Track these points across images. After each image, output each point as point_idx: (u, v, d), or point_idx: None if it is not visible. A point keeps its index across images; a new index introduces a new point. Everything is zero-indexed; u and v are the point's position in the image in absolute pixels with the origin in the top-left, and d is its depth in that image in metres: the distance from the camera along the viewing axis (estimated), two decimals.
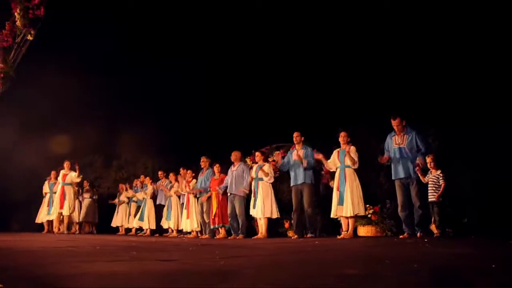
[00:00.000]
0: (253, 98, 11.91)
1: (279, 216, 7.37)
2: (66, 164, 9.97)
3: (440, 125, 6.82)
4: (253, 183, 7.41)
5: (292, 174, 7.03)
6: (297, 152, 6.91)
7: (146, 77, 13.37)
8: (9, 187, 11.52)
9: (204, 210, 8.24)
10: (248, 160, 8.45)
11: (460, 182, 6.30)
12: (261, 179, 7.27)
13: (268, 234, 7.20)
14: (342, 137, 6.69)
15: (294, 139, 7.02)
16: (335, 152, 6.72)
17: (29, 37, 7.57)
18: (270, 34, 11.82)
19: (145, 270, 1.92)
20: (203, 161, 8.25)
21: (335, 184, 6.64)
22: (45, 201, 10.69)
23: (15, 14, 7.08)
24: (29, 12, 6.84)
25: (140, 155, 13.77)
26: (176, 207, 9.54)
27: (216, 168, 8.05)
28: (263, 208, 7.19)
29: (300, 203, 6.84)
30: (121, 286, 1.38)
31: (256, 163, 7.62)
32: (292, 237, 6.98)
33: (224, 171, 8.02)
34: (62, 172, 9.99)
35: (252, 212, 7.38)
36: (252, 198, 7.38)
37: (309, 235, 6.65)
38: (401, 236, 5.93)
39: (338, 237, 6.48)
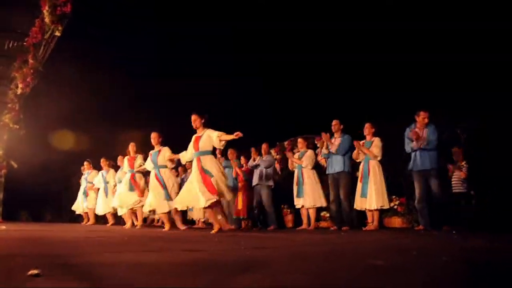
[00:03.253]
0: (278, 90, 11.89)
1: (325, 205, 7.29)
2: (132, 146, 8.17)
3: (471, 115, 6.66)
4: (296, 171, 7.35)
5: (329, 161, 6.94)
6: (335, 141, 6.84)
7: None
8: (42, 179, 11.85)
9: (230, 201, 8.30)
10: (273, 151, 8.44)
11: (488, 175, 6.16)
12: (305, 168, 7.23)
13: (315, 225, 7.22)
14: (366, 129, 6.64)
15: (332, 127, 6.93)
16: (361, 143, 6.68)
17: (57, 33, 7.76)
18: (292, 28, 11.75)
19: (173, 260, 1.96)
20: (231, 153, 8.30)
21: (358, 176, 6.62)
22: (101, 191, 9.80)
23: (44, 11, 7.26)
24: (56, 9, 7.01)
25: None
26: None
27: (243, 159, 8.10)
28: (311, 197, 7.12)
29: (337, 193, 6.76)
30: (150, 275, 1.42)
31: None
32: (331, 228, 6.97)
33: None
34: (126, 158, 8.25)
35: (298, 201, 7.28)
36: (295, 187, 7.31)
37: (344, 228, 6.56)
38: (416, 228, 5.90)
39: (364, 228, 6.45)
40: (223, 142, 5.54)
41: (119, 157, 9.25)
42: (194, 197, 5.46)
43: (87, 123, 12.59)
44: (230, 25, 12.36)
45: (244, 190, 7.88)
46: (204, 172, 5.51)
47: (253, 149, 7.93)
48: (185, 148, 5.99)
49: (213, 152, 5.73)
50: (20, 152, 12.84)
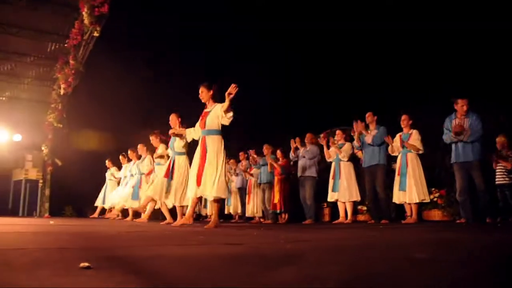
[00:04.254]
0: (311, 82, 11.83)
1: (360, 199, 7.25)
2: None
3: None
4: (333, 164, 7.30)
5: (364, 154, 6.87)
6: (370, 132, 6.77)
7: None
8: (84, 175, 12.25)
9: (266, 195, 8.35)
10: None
11: None
12: (342, 160, 7.17)
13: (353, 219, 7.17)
14: (403, 121, 6.51)
15: (366, 119, 6.86)
16: (397, 136, 6.57)
17: (95, 34, 8.04)
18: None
19: (214, 253, 2.01)
20: (266, 148, 8.34)
21: (396, 169, 6.51)
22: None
23: (83, 13, 7.52)
24: (94, 10, 7.23)
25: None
26: (235, 192, 9.76)
27: (279, 153, 8.11)
28: (348, 191, 7.08)
29: (374, 186, 6.68)
30: (193, 267, 1.46)
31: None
32: (368, 222, 6.92)
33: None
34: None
35: (332, 196, 7.24)
36: (331, 181, 7.26)
37: (383, 221, 6.48)
38: (458, 221, 5.75)
39: (403, 221, 6.36)
40: (230, 114, 4.89)
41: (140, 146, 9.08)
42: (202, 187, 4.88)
43: (126, 121, 12.92)
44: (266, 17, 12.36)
45: (280, 184, 7.91)
46: (205, 155, 4.89)
47: (292, 141, 7.88)
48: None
49: (223, 134, 5.04)
50: (64, 150, 13.37)
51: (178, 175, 6.08)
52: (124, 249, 2.16)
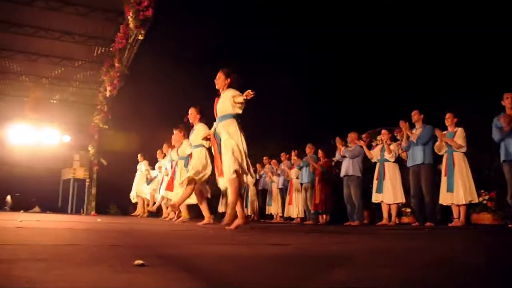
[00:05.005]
0: (356, 82, 11.70)
1: (405, 200, 7.09)
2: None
3: None
4: (377, 165, 7.16)
5: (410, 153, 6.68)
6: (415, 131, 6.59)
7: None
8: (128, 175, 12.61)
9: (308, 196, 8.31)
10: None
11: None
12: (387, 160, 7.02)
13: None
14: (447, 119, 6.29)
15: (412, 117, 6.68)
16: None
17: (140, 37, 8.28)
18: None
19: (259, 253, 2.02)
20: (309, 148, 8.30)
21: (442, 169, 6.30)
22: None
23: (128, 17, 7.76)
24: (139, 14, 7.44)
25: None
26: (276, 193, 9.76)
27: (321, 153, 8.05)
28: (392, 192, 6.92)
29: (419, 187, 6.49)
30: (242, 267, 1.48)
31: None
32: (412, 224, 6.75)
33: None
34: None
35: (377, 197, 7.11)
36: (375, 181, 7.12)
37: (428, 223, 6.28)
38: (510, 225, 5.49)
39: (449, 225, 6.15)
40: (239, 105, 4.42)
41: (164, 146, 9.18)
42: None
43: (167, 121, 13.23)
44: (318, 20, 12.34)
45: (322, 184, 7.84)
46: (219, 142, 4.45)
47: (338, 139, 7.74)
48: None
49: (237, 118, 4.49)
50: (109, 150, 13.84)
51: (197, 168, 5.77)
52: (173, 247, 2.22)
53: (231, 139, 4.31)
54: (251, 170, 4.40)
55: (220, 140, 4.39)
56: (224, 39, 13.31)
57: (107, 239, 2.70)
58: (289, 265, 1.61)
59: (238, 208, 4.36)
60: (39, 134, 14.06)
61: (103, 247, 2.05)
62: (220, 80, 4.59)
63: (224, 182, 4.37)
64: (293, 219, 9.16)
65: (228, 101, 4.40)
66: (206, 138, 4.97)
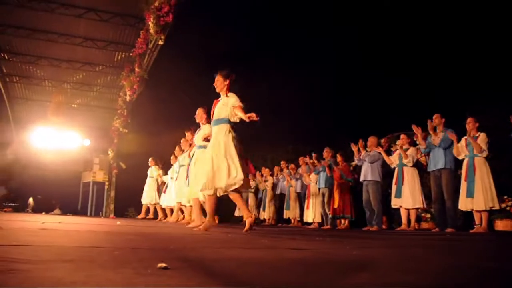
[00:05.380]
0: (375, 86, 11.63)
1: (424, 206, 7.00)
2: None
3: None
4: (396, 170, 7.08)
5: (431, 158, 6.59)
6: (437, 135, 6.50)
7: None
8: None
9: (325, 200, 8.26)
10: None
11: None
12: (406, 165, 6.95)
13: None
14: (469, 124, 6.18)
15: (433, 121, 6.59)
16: (463, 140, 6.25)
17: (160, 42, 8.39)
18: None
19: (280, 257, 2.02)
20: (326, 152, 8.26)
21: (462, 174, 6.19)
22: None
23: (149, 23, 7.87)
24: (160, 19, 7.54)
25: (258, 147, 14.30)
26: (294, 197, 9.74)
27: (339, 157, 8.00)
28: (411, 197, 6.84)
29: (440, 191, 6.39)
30: (265, 271, 1.48)
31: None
32: (432, 230, 6.66)
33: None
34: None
35: (395, 202, 7.02)
36: (394, 186, 7.03)
37: (449, 229, 6.18)
38: None
39: (471, 231, 6.03)
40: (237, 118, 4.40)
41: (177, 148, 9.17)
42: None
43: (185, 125, 13.33)
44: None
45: (340, 188, 7.79)
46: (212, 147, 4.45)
47: (353, 144, 7.68)
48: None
49: (231, 124, 4.48)
50: (128, 154, 14.01)
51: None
52: (194, 251, 2.23)
53: (228, 147, 4.31)
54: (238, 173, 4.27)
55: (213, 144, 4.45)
56: (243, 42, 13.39)
57: (128, 242, 2.73)
58: (311, 269, 1.60)
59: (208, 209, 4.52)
60: (61, 138, 14.33)
61: (125, 249, 2.07)
62: (218, 82, 4.63)
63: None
64: (310, 223, 9.12)
65: (228, 108, 4.43)
66: (206, 140, 4.99)
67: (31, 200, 15.35)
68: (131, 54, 10.53)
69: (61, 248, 2.04)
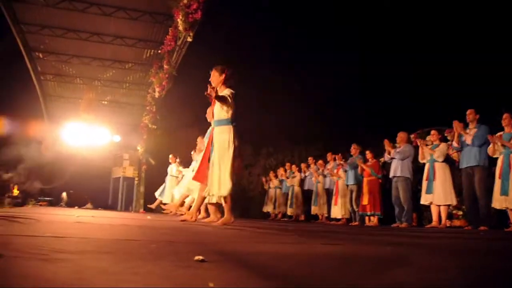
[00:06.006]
0: (404, 81, 11.44)
1: (456, 203, 6.85)
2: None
3: None
4: (427, 166, 6.95)
5: (463, 155, 6.44)
6: (470, 131, 6.35)
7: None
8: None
9: (354, 197, 8.20)
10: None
11: None
12: (436, 161, 6.81)
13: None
14: (505, 119, 5.99)
15: (466, 117, 6.44)
16: (498, 136, 6.08)
17: (189, 39, 8.46)
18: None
19: (312, 252, 2.03)
20: (354, 148, 8.18)
21: (496, 171, 6.01)
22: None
23: (178, 20, 7.94)
24: (188, 16, 7.60)
25: (287, 143, 14.30)
26: (322, 193, 9.69)
27: (369, 154, 7.90)
28: (443, 193, 6.70)
29: (472, 189, 6.24)
30: (299, 265, 1.49)
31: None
32: (464, 227, 6.52)
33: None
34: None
35: (426, 198, 6.89)
36: (425, 182, 6.90)
37: (482, 227, 6.03)
38: None
39: (506, 229, 5.87)
40: (225, 108, 4.37)
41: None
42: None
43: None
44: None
45: (370, 185, 7.71)
46: (211, 148, 4.43)
47: (386, 141, 7.57)
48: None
49: (233, 124, 4.45)
50: (157, 150, 14.22)
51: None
52: (228, 245, 2.26)
53: (226, 153, 4.31)
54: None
55: (213, 148, 4.43)
56: (272, 40, 13.37)
57: (162, 235, 2.79)
58: (344, 263, 1.60)
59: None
60: (92, 134, 14.67)
61: (160, 242, 2.12)
62: (214, 77, 4.54)
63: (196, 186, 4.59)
64: (338, 220, 9.06)
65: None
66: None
67: (64, 194, 15.82)
68: (159, 51, 10.65)
69: (99, 240, 2.10)
